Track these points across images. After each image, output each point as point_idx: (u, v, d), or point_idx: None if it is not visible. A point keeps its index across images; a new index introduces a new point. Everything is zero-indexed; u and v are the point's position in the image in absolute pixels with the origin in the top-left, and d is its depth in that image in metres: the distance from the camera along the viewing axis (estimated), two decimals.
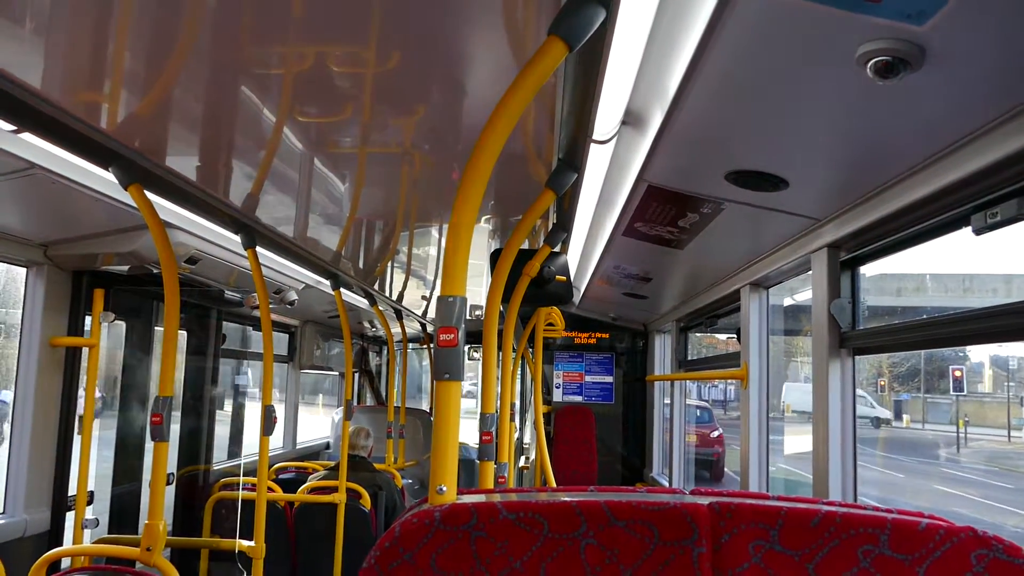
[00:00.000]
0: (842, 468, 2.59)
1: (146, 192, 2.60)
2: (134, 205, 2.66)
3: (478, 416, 2.62)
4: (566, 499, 1.10)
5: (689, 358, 6.06)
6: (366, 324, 8.20)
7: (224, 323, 5.56)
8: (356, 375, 9.33)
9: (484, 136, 1.34)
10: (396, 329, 7.44)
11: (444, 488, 1.23)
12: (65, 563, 3.25)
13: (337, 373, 8.89)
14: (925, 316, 2.31)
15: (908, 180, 2.07)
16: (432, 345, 1.46)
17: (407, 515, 1.16)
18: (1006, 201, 1.76)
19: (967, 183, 1.84)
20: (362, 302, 6.13)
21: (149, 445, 2.76)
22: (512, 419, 5.93)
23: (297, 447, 7.56)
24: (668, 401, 6.70)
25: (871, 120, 1.83)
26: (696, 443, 12.05)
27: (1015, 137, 1.61)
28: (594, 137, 2.33)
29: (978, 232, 1.89)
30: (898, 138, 1.91)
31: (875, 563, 1.04)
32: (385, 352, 9.72)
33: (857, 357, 2.68)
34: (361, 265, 4.95)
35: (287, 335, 7.33)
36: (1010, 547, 1.05)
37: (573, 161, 2.31)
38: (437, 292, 1.33)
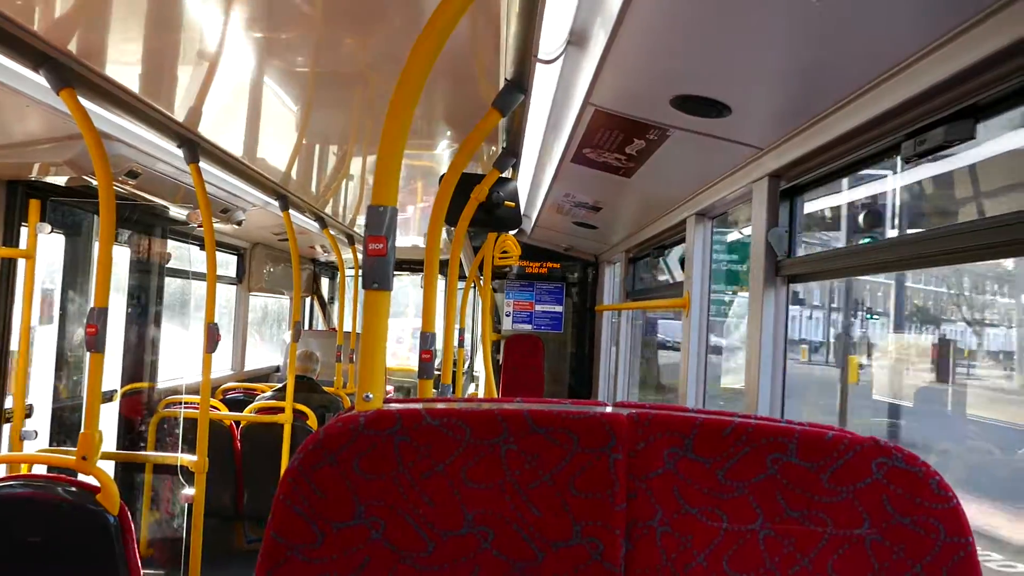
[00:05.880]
0: (771, 388, 2.69)
1: (80, 99, 2.52)
2: (69, 113, 2.58)
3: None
4: (489, 408, 1.13)
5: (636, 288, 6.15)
6: (318, 248, 8.13)
7: (171, 241, 5.47)
8: (307, 300, 9.30)
9: (422, 38, 1.32)
10: (348, 255, 7.39)
11: (371, 396, 1.25)
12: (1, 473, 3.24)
13: (287, 296, 8.84)
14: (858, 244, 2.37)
15: (845, 108, 2.10)
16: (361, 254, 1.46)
17: (333, 420, 1.19)
18: (934, 128, 1.80)
19: (900, 111, 1.88)
20: (313, 226, 6.07)
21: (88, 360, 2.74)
22: (461, 345, 5.98)
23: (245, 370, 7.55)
24: (615, 326, 6.81)
25: (811, 44, 1.84)
26: None
27: (943, 64, 1.64)
28: (540, 56, 2.31)
29: (907, 160, 1.94)
30: (836, 64, 1.94)
31: (782, 470, 1.09)
32: (337, 278, 9.67)
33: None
34: (312, 188, 4.88)
35: (236, 256, 7.24)
36: (908, 456, 1.10)
37: (520, 81, 2.30)
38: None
